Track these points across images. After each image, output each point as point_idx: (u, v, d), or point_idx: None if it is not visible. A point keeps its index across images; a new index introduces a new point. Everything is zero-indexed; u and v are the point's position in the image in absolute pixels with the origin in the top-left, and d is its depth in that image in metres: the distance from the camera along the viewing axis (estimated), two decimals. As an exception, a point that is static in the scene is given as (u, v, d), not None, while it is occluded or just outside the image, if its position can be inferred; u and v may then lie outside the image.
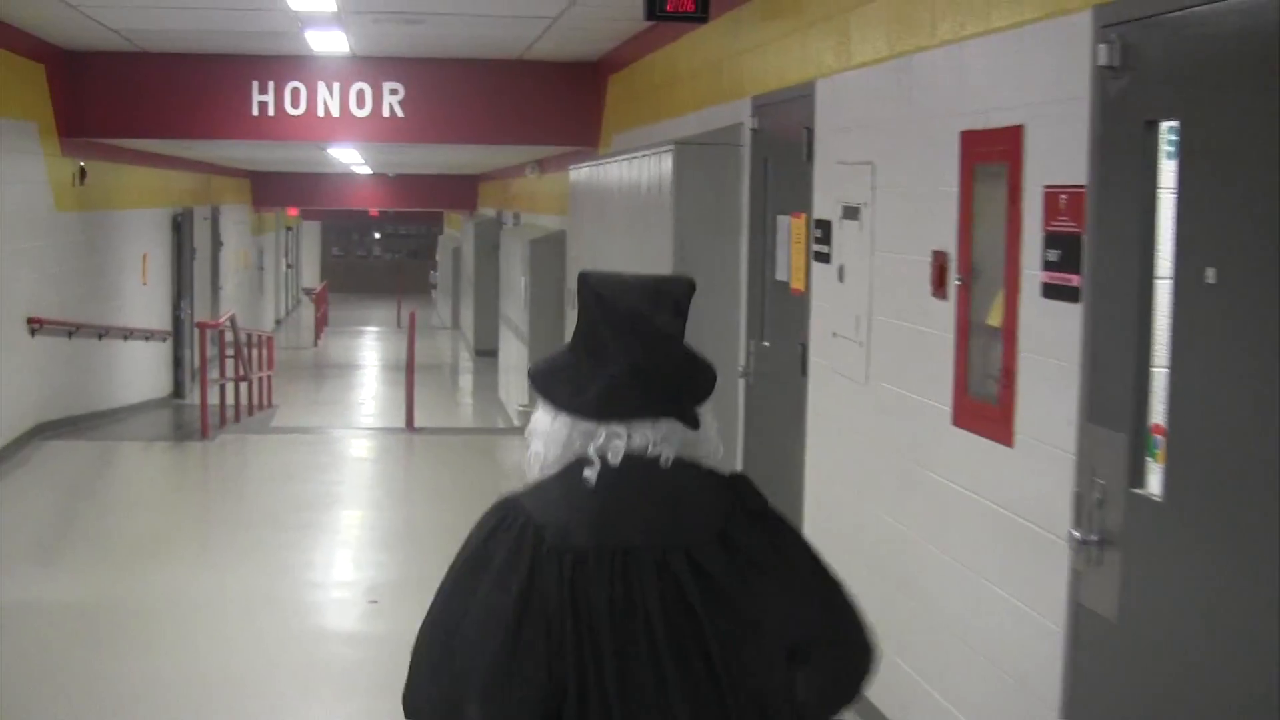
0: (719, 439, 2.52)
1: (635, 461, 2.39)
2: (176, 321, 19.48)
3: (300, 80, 13.24)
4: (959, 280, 5.11)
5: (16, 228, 11.76)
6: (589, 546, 2.29)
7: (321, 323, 30.70)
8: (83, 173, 13.79)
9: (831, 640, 2.48)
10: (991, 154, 4.91)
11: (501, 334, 20.42)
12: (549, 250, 15.48)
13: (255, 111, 13.24)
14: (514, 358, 17.73)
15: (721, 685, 2.27)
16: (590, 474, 2.36)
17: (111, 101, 13.19)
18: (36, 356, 12.31)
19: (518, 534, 2.30)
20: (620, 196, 9.97)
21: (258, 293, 30.21)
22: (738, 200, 8.11)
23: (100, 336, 14.76)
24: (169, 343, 18.80)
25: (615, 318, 2.43)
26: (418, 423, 13.86)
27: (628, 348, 2.42)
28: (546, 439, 2.45)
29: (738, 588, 2.34)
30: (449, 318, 33.57)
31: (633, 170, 9.46)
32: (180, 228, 19.60)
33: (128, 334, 16.05)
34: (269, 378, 18.76)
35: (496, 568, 2.28)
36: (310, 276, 45.07)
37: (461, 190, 29.52)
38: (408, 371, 14.07)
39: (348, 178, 28.57)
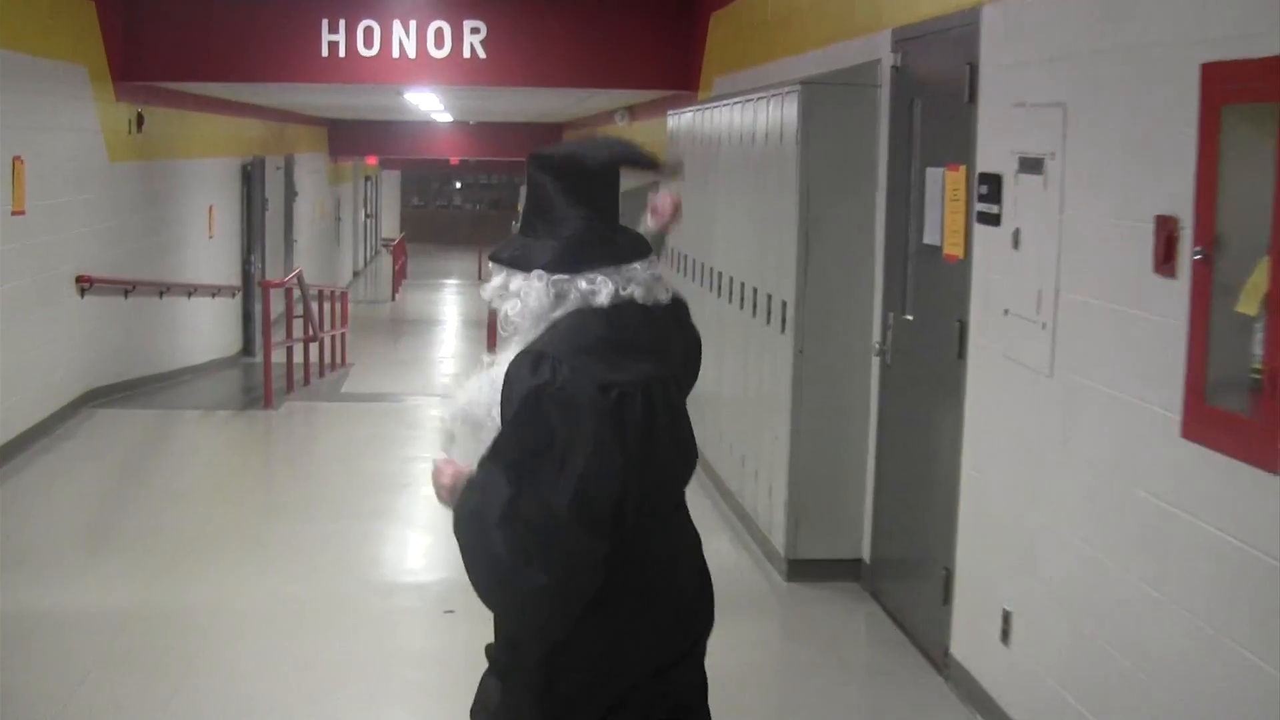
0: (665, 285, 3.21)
1: (624, 304, 3.09)
2: (246, 276, 18.58)
3: (373, 18, 12.16)
4: (1198, 254, 3.93)
5: (63, 180, 10.79)
6: (621, 381, 2.95)
7: (400, 276, 29.77)
8: (140, 120, 12.81)
9: None
10: (1250, 92, 3.74)
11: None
12: (637, 205, 14.36)
13: (325, 52, 12.18)
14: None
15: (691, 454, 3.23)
16: (596, 318, 3.04)
17: (169, 42, 12.19)
18: (86, 317, 11.37)
19: (574, 390, 2.91)
20: (730, 146, 8.83)
21: (334, 244, 29.32)
22: (873, 150, 6.95)
23: (161, 294, 13.83)
24: (238, 299, 17.90)
25: (570, 180, 3.10)
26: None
27: (585, 208, 3.10)
28: (525, 296, 3.06)
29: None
30: (531, 271, 32.49)
31: (746, 116, 8.32)
32: (251, 178, 18.65)
33: (191, 290, 15.13)
34: (342, 335, 17.80)
35: (584, 416, 2.91)
36: (390, 227, 44.23)
37: (545, 139, 28.39)
38: (489, 332, 12.96)
39: (427, 126, 27.54)
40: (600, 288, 3.05)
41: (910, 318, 6.50)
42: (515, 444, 2.94)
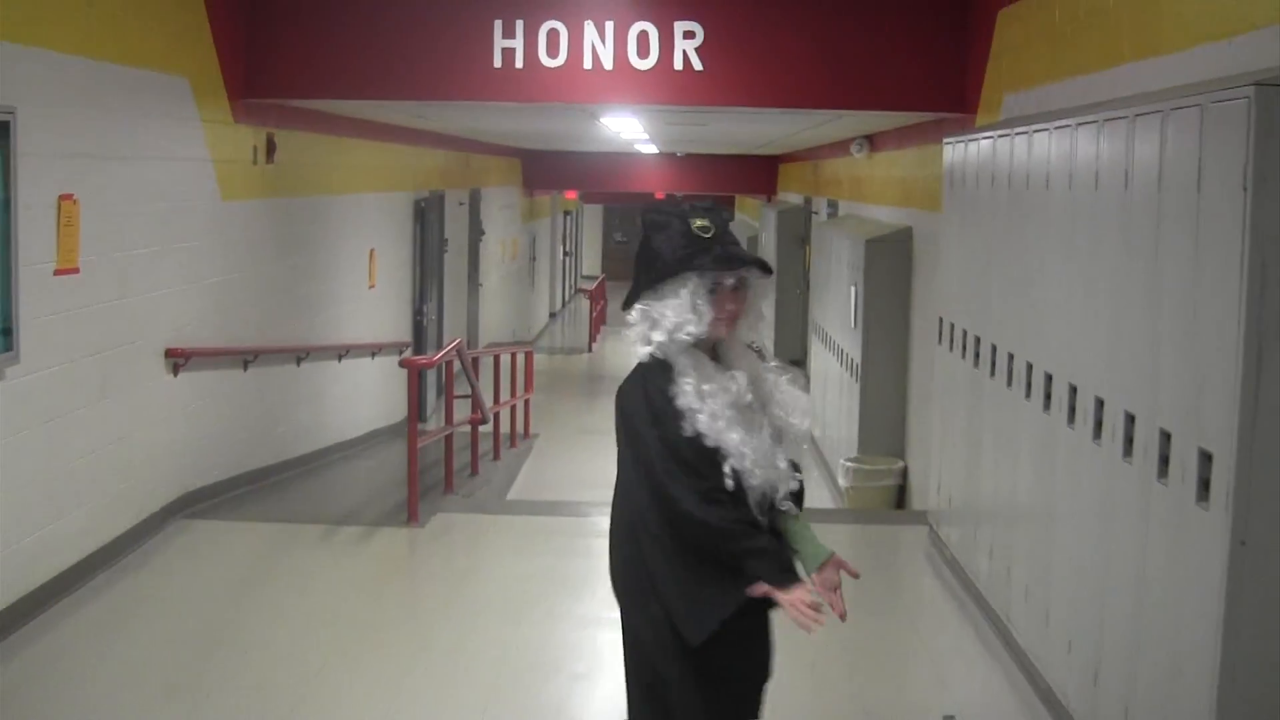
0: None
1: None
2: (418, 329, 16.05)
3: (559, 19, 9.44)
4: None
5: (148, 224, 8.26)
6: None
7: (598, 322, 27.13)
8: (271, 147, 10.27)
9: None
10: None
11: (812, 348, 16.38)
12: (892, 254, 11.41)
13: (498, 62, 9.48)
14: (831, 383, 13.69)
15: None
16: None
17: (303, 51, 9.61)
18: (178, 402, 8.81)
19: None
20: (1062, 188, 5.88)
21: (528, 286, 26.80)
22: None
23: (299, 361, 11.28)
24: (406, 354, 15.34)
25: (682, 237, 3.79)
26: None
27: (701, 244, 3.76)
28: (676, 308, 3.75)
29: None
30: (740, 316, 29.60)
31: (1103, 144, 5.34)
32: (425, 215, 16.11)
33: (343, 352, 12.58)
34: (526, 402, 15.14)
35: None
36: (591, 265, 41.78)
37: (759, 172, 25.54)
38: None
39: (629, 158, 24.84)
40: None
41: None
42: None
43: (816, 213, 19.24)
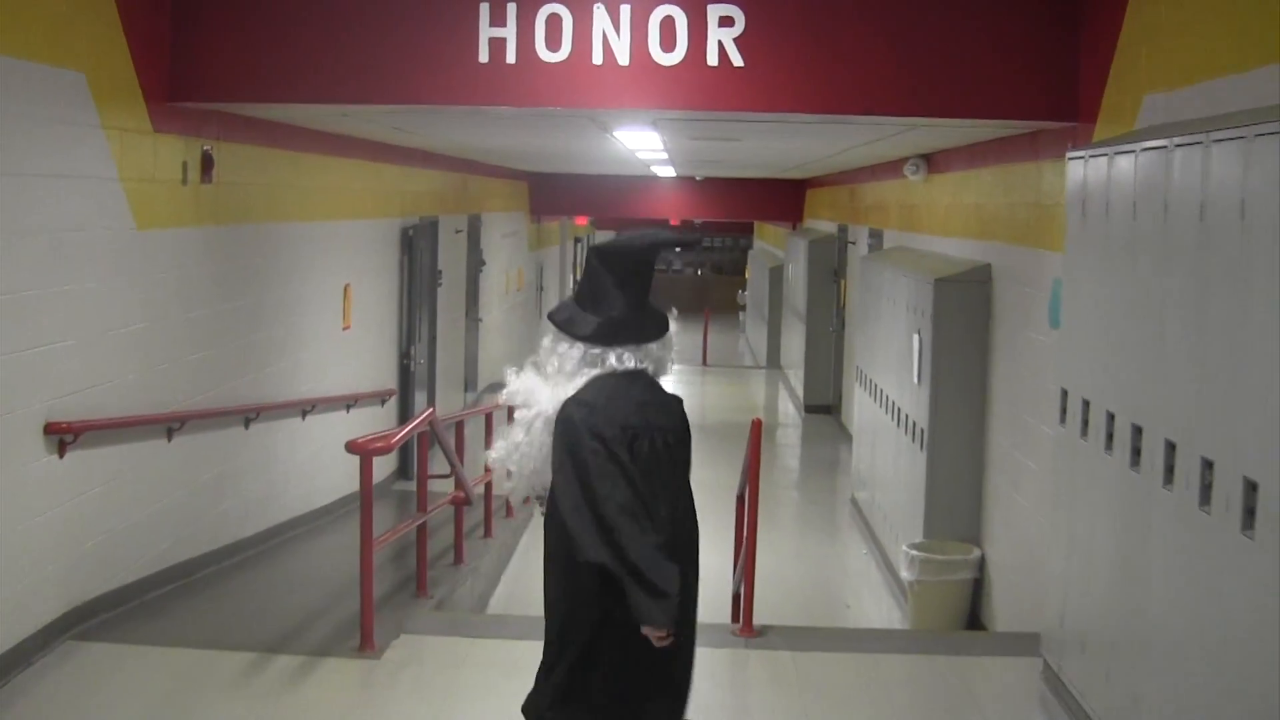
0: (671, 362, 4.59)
1: (635, 372, 4.46)
2: (405, 374, 14.06)
3: (562, 1, 7.48)
4: None
5: (31, 264, 6.29)
6: (641, 426, 4.32)
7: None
8: (206, 163, 8.30)
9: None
10: None
11: (854, 397, 14.36)
12: (968, 297, 9.42)
13: (485, 56, 7.49)
14: (882, 444, 11.68)
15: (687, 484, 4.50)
16: (627, 381, 4.42)
17: (242, 44, 7.63)
18: (66, 488, 6.82)
19: (613, 433, 4.26)
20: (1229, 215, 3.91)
21: (534, 320, 24.80)
22: None
23: (248, 422, 9.28)
24: (389, 405, 13.36)
25: (621, 273, 4.46)
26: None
27: (627, 294, 4.46)
28: (563, 358, 4.46)
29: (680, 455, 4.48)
30: (762, 351, 27.65)
31: None
32: (413, 245, 14.12)
33: (308, 408, 10.59)
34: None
35: (611, 451, 4.23)
36: (602, 293, 39.74)
37: (784, 198, 23.54)
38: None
39: (644, 182, 22.83)
40: (625, 361, 4.44)
41: None
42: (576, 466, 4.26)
43: (854, 243, 17.24)
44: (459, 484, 8.92)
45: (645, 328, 4.46)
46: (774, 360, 25.87)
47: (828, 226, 20.18)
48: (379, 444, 7.01)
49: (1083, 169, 6.35)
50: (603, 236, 40.30)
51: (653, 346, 4.46)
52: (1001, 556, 8.94)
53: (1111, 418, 5.85)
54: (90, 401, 6.92)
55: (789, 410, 21.02)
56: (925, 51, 7.57)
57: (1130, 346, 5.67)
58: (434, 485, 8.62)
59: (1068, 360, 6.68)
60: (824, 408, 19.66)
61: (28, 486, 6.44)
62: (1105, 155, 6.05)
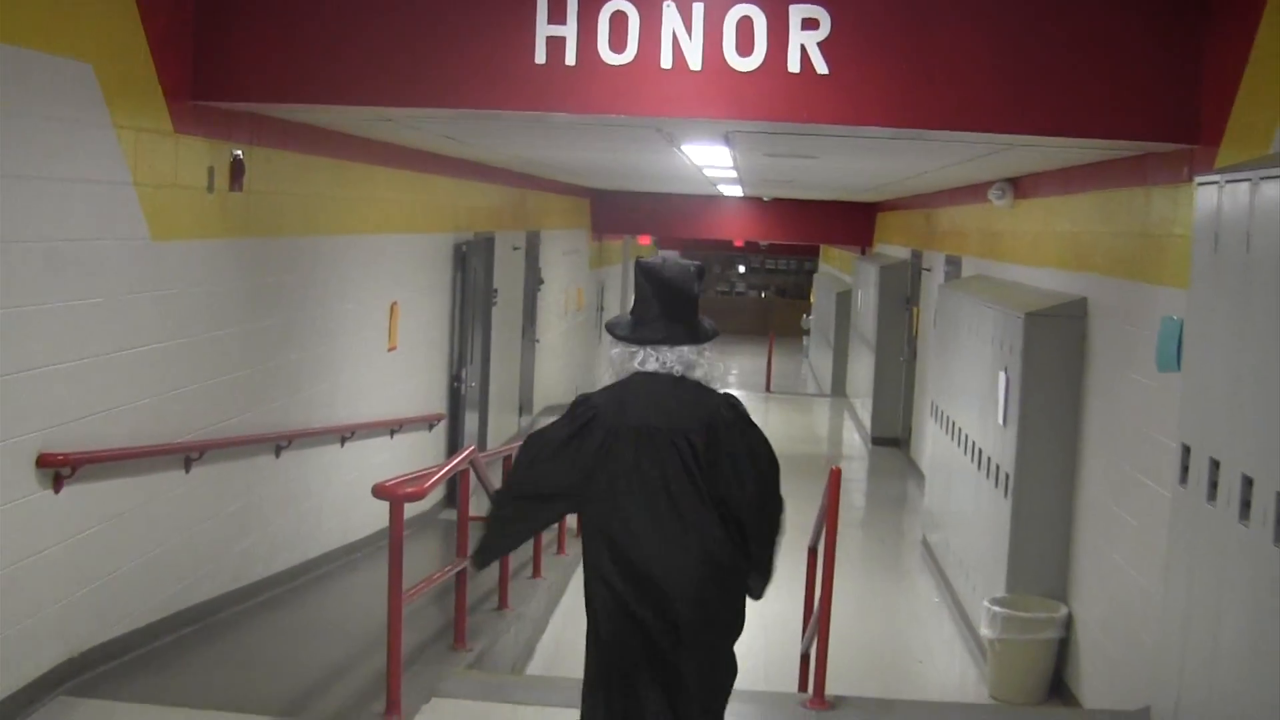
0: (720, 368, 4.95)
1: (658, 374, 4.78)
2: (455, 397, 13.36)
3: (627, -1, 6.74)
4: None
5: (26, 277, 5.60)
6: (621, 424, 4.68)
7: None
8: (237, 169, 7.61)
9: (759, 507, 4.72)
10: None
11: (926, 431, 13.53)
12: (1061, 334, 8.60)
13: (541, 57, 6.76)
14: (958, 485, 10.86)
15: (706, 502, 4.65)
16: (634, 377, 4.81)
17: (276, 39, 6.94)
18: (62, 526, 6.11)
19: (583, 411, 4.73)
20: None
21: (594, 341, 24.06)
22: None
23: (279, 451, 8.59)
24: (438, 430, 12.66)
25: (656, 284, 4.81)
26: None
27: (661, 303, 4.80)
28: (610, 358, 4.87)
29: (712, 455, 4.67)
30: (826, 379, 26.80)
31: None
32: (467, 262, 13.42)
33: (347, 434, 9.89)
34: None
35: (564, 424, 4.72)
36: (663, 315, 38.92)
37: (854, 221, 22.69)
38: (820, 593, 7.08)
39: (709, 201, 22.05)
40: (646, 365, 4.82)
41: None
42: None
43: (928, 269, 16.41)
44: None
45: (667, 334, 4.81)
46: (839, 388, 25.03)
47: (900, 251, 19.35)
48: (410, 489, 6.23)
49: (1216, 196, 5.54)
50: (667, 254, 39.59)
51: (685, 350, 4.80)
52: (1091, 616, 8.13)
53: (1249, 482, 5.05)
54: (92, 429, 6.22)
55: (855, 441, 20.17)
56: (1031, 63, 6.76)
57: (1273, 401, 4.87)
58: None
59: (1192, 413, 5.86)
60: (892, 440, 18.82)
61: (19, 524, 5.74)
62: (1247, 180, 5.24)
